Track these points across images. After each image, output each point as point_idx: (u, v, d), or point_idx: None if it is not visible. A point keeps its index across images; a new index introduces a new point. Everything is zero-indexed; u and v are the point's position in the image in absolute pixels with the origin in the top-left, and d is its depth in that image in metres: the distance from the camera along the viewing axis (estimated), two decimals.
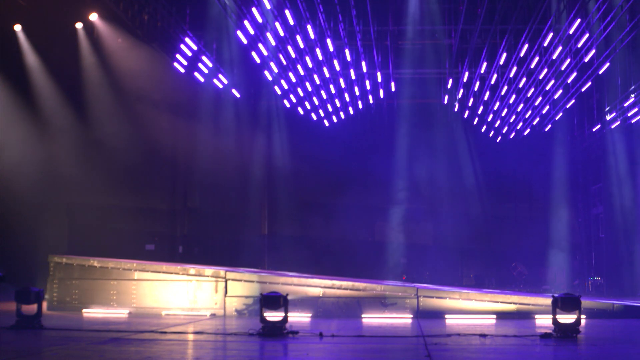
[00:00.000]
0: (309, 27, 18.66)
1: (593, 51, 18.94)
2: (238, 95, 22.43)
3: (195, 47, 18.74)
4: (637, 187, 22.49)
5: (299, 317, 13.14)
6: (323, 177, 26.38)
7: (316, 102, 24.20)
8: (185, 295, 14.22)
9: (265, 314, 10.66)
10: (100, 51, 18.08)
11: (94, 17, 16.73)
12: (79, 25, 17.63)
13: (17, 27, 17.38)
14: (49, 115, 18.86)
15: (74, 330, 10.75)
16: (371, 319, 13.45)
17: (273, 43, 19.23)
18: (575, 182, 26.29)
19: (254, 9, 17.49)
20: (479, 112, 25.22)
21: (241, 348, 9.11)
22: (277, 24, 18.33)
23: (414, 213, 26.46)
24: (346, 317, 13.67)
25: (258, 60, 20.05)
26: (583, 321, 11.74)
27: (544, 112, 23.92)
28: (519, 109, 24.05)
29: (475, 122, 25.96)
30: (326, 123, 25.84)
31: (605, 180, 23.95)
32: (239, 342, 9.69)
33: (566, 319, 10.49)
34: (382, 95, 24.10)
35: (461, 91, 23.71)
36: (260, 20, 17.93)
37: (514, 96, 22.98)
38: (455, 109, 25.47)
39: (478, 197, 26.83)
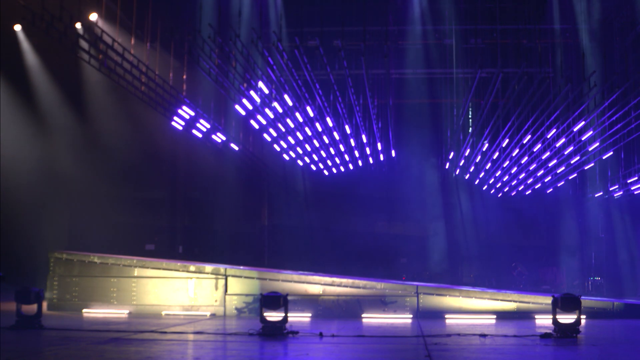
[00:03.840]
0: (308, 108, 19.05)
1: (597, 144, 19.22)
2: (236, 148, 22.33)
3: (192, 113, 18.48)
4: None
5: (299, 317, 13.16)
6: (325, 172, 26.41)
7: (315, 158, 24.58)
8: (185, 292, 14.21)
9: (265, 314, 10.66)
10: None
11: (94, 17, 16.67)
12: (78, 25, 17.59)
13: (17, 27, 17.35)
14: (48, 114, 18.86)
15: (74, 330, 10.75)
16: (371, 318, 13.46)
17: (272, 116, 19.55)
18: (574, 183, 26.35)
19: (252, 92, 17.77)
20: (481, 175, 25.55)
21: (241, 348, 9.11)
22: (275, 103, 18.71)
23: (415, 212, 26.45)
24: (346, 316, 13.67)
25: (257, 127, 20.39)
26: (583, 321, 11.76)
27: (545, 180, 24.19)
28: (520, 177, 24.44)
29: (476, 183, 26.20)
30: (326, 173, 26.12)
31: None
32: (239, 342, 9.69)
33: (566, 318, 10.49)
34: (382, 158, 24.63)
35: (462, 161, 24.27)
36: (258, 100, 18.27)
37: (515, 168, 23.38)
38: (457, 172, 25.80)
39: (479, 197, 26.81)
